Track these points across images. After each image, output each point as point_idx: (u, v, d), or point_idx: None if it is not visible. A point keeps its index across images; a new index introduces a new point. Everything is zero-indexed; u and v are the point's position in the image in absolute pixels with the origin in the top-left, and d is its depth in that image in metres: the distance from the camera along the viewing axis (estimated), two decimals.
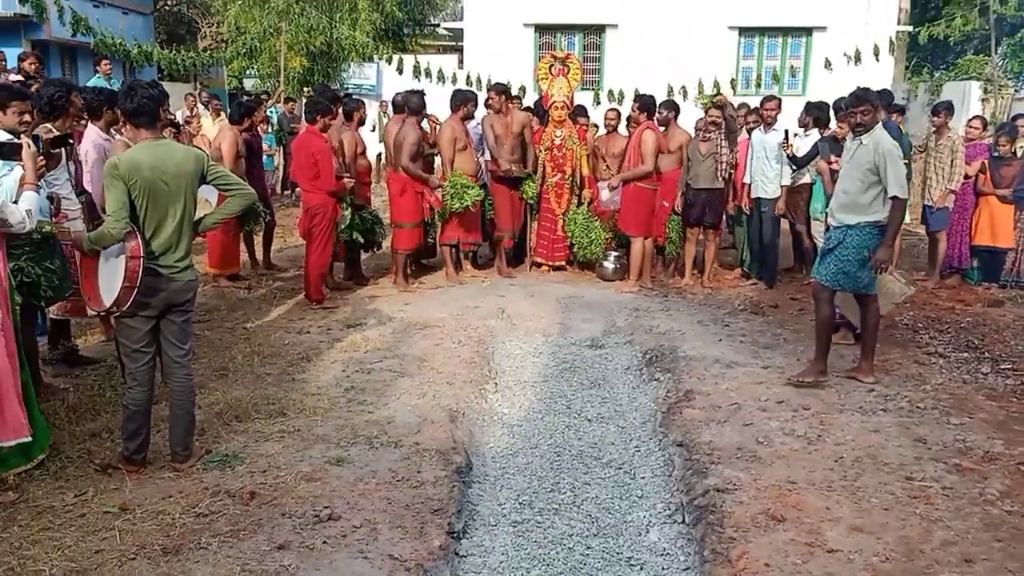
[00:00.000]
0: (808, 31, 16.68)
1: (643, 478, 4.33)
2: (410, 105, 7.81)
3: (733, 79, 16.91)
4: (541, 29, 17.21)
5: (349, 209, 7.34)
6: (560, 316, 7.18)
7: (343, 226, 7.32)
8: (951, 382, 5.34)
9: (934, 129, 8.19)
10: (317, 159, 6.90)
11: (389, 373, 5.35)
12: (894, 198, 4.97)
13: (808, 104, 8.50)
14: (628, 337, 6.65)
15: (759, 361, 5.74)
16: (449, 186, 7.70)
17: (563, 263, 8.72)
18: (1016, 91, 17.94)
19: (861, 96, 5.16)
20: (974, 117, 8.88)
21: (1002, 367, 5.64)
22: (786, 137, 7.70)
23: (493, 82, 16.50)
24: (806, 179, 7.97)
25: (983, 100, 15.84)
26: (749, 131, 8.47)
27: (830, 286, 5.26)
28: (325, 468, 3.93)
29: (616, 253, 8.50)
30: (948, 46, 21.77)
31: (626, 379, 5.84)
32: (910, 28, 18.11)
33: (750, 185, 8.02)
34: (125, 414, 3.80)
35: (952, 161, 7.91)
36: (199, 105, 12.96)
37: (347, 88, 17.90)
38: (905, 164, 4.82)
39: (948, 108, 8.30)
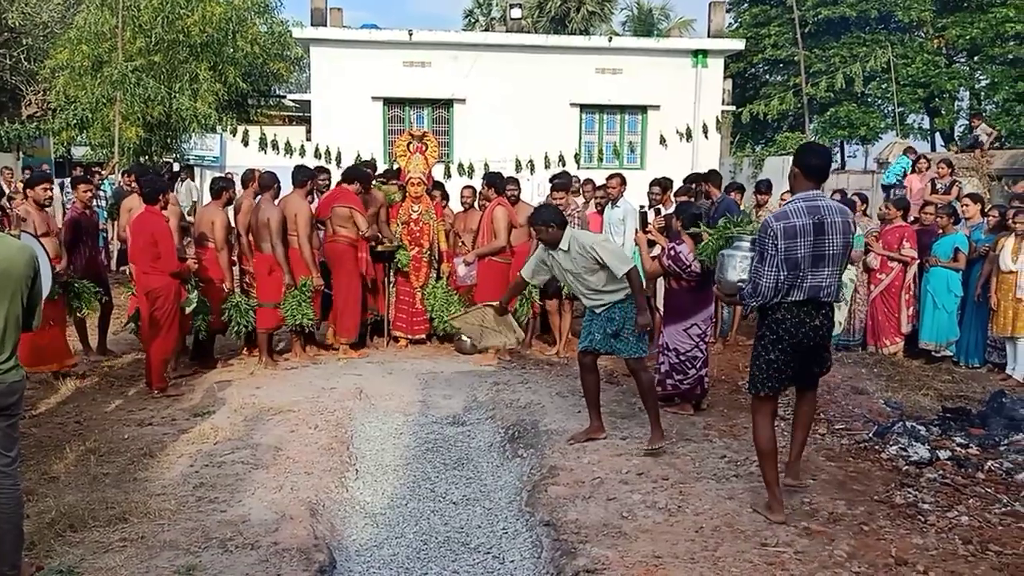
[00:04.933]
0: (644, 109, 17.72)
1: (512, 562, 4.27)
2: (262, 183, 7.69)
3: (577, 153, 17.65)
4: (389, 102, 17.38)
5: (195, 292, 7.00)
6: (420, 393, 7.08)
7: (188, 309, 6.97)
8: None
9: (755, 204, 8.88)
10: (157, 239, 6.57)
11: (242, 465, 5.06)
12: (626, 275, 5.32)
13: (654, 180, 9.00)
14: (490, 412, 6.64)
15: (618, 432, 5.86)
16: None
17: (423, 337, 8.66)
18: None
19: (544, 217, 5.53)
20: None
21: (837, 427, 6.03)
22: (645, 216, 8.04)
23: (339, 153, 16.57)
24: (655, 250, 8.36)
25: None
26: (598, 206, 8.84)
27: (602, 351, 5.56)
28: None
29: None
30: (767, 123, 23.75)
31: (490, 457, 5.80)
32: (734, 108, 19.63)
33: None
34: None
35: None
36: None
37: (188, 160, 17.28)
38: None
39: (768, 186, 9.03)
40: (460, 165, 17.25)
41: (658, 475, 5.01)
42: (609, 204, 8.57)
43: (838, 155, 26.21)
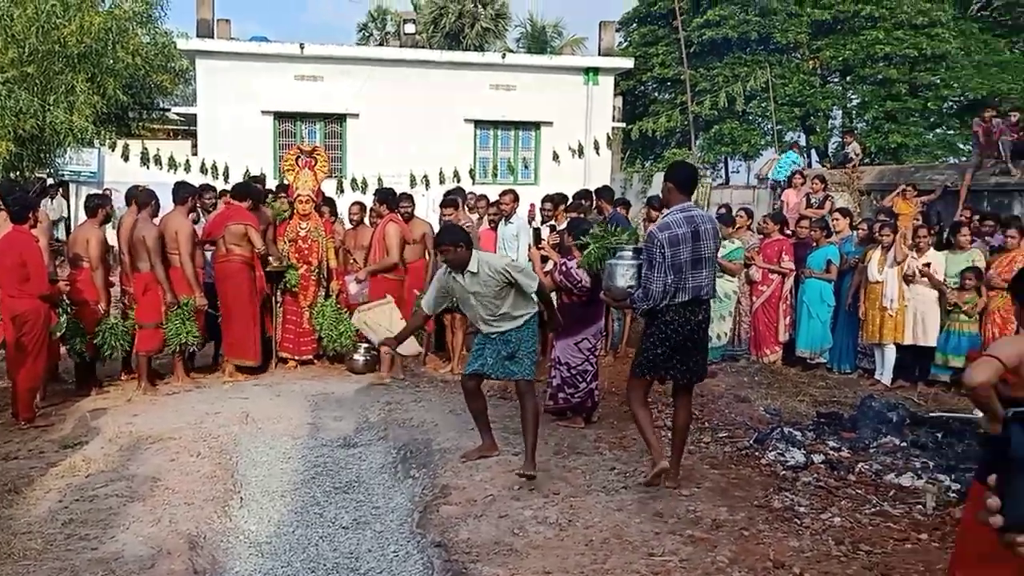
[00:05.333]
0: (537, 125, 17.96)
1: None
2: (139, 199, 7.40)
3: (472, 169, 17.72)
4: (280, 116, 17.03)
5: (64, 316, 6.65)
6: (309, 415, 6.92)
7: (58, 334, 6.60)
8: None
9: (644, 218, 9.11)
10: (26, 260, 6.21)
11: (116, 499, 4.82)
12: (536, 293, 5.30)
13: (546, 196, 9.13)
14: (382, 433, 6.55)
15: (510, 448, 5.87)
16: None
17: (311, 357, 8.48)
18: (712, 181, 20.47)
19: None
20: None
21: (720, 435, 6.24)
22: (538, 232, 8.13)
23: (227, 169, 16.10)
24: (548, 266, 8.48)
25: None
26: (491, 222, 8.89)
27: (493, 375, 5.51)
28: None
29: (367, 345, 8.41)
30: (656, 140, 24.44)
31: (381, 479, 5.71)
32: (623, 124, 20.14)
33: None
34: None
35: None
36: None
37: (62, 175, 16.45)
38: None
39: (659, 201, 9.26)
40: (353, 181, 17.05)
41: (549, 490, 5.05)
42: (502, 220, 8.63)
43: (723, 171, 27.24)
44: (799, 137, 24.68)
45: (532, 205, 12.14)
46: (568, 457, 5.68)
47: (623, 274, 5.07)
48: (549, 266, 8.18)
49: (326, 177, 9.06)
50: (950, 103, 23.50)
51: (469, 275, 5.22)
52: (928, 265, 7.94)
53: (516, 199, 8.68)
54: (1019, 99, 19.71)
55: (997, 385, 2.96)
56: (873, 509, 4.79)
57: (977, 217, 9.22)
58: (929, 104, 22.53)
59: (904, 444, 5.91)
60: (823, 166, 19.33)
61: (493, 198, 9.16)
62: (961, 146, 22.54)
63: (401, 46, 20.79)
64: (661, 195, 5.16)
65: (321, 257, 8.32)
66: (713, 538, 4.35)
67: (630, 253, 5.14)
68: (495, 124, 17.98)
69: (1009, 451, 1.06)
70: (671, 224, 4.77)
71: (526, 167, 18.21)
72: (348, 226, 8.87)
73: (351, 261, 8.36)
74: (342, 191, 16.29)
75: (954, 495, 4.90)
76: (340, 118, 17.28)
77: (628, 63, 18.96)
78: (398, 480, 5.65)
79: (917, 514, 4.70)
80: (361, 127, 17.18)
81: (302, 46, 16.86)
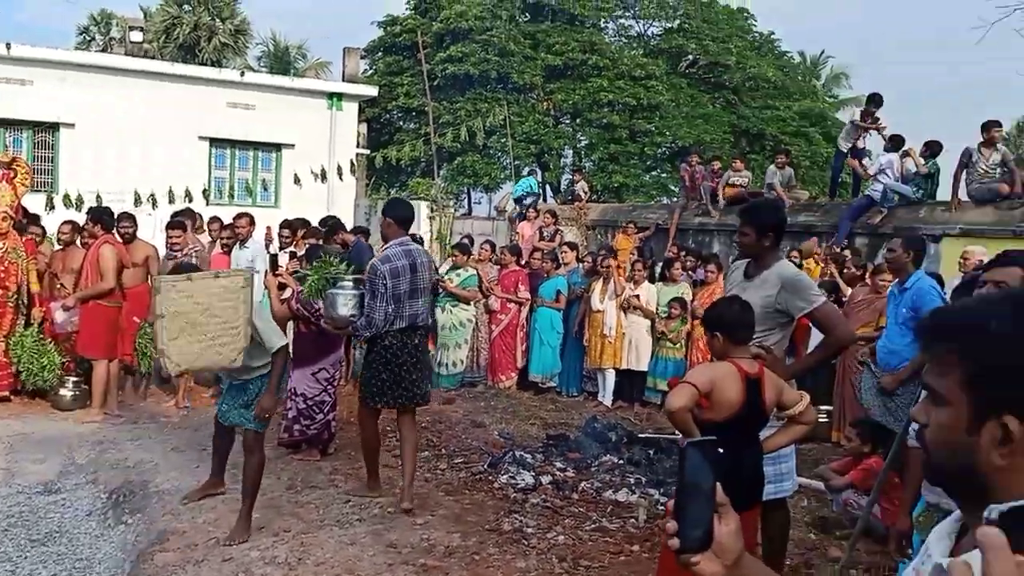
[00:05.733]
0: (278, 147, 17.41)
1: None
2: None
3: (206, 189, 16.76)
4: None
5: None
6: (3, 459, 6.11)
7: None
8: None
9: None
10: None
11: None
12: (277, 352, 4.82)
13: (284, 222, 8.85)
14: (90, 476, 5.92)
15: (239, 486, 5.57)
16: None
17: (7, 394, 7.50)
18: (455, 211, 21.05)
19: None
20: None
21: (456, 461, 6.35)
22: (275, 259, 7.79)
23: None
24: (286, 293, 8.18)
25: (431, 218, 18.18)
26: (225, 246, 8.44)
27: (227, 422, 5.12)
28: None
29: (75, 379, 7.60)
30: (401, 168, 24.68)
31: (88, 527, 5.16)
32: (368, 152, 20.12)
33: None
34: None
35: None
36: None
37: None
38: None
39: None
40: (67, 197, 15.42)
41: (279, 527, 4.85)
42: (237, 244, 8.24)
43: (465, 202, 28.10)
44: (536, 173, 26.08)
45: (268, 228, 11.70)
46: (301, 492, 5.49)
47: (345, 303, 5.22)
48: (287, 294, 7.93)
49: (27, 191, 8.11)
50: (663, 148, 26.03)
51: None
52: (638, 296, 8.70)
53: (252, 222, 8.33)
54: (719, 148, 22.36)
55: (694, 409, 3.28)
56: (593, 525, 5.11)
57: (683, 253, 10.26)
58: (646, 149, 24.82)
59: (621, 462, 6.38)
60: (555, 201, 20.60)
61: (228, 220, 8.72)
62: (672, 188, 25.06)
63: (126, 54, 19.24)
64: (380, 230, 5.48)
65: (21, 281, 7.41)
66: (445, 565, 4.40)
67: (350, 283, 5.31)
68: (233, 143, 17.16)
69: (684, 477, 1.13)
70: (391, 257, 5.11)
71: (266, 189, 17.56)
72: (57, 247, 8.00)
73: (58, 286, 7.53)
74: (52, 208, 14.66)
75: (662, 508, 5.37)
76: (52, 127, 15.59)
77: (373, 91, 19.00)
78: (108, 527, 5.14)
79: (631, 527, 5.08)
80: (77, 138, 15.61)
81: (8, 46, 15.06)
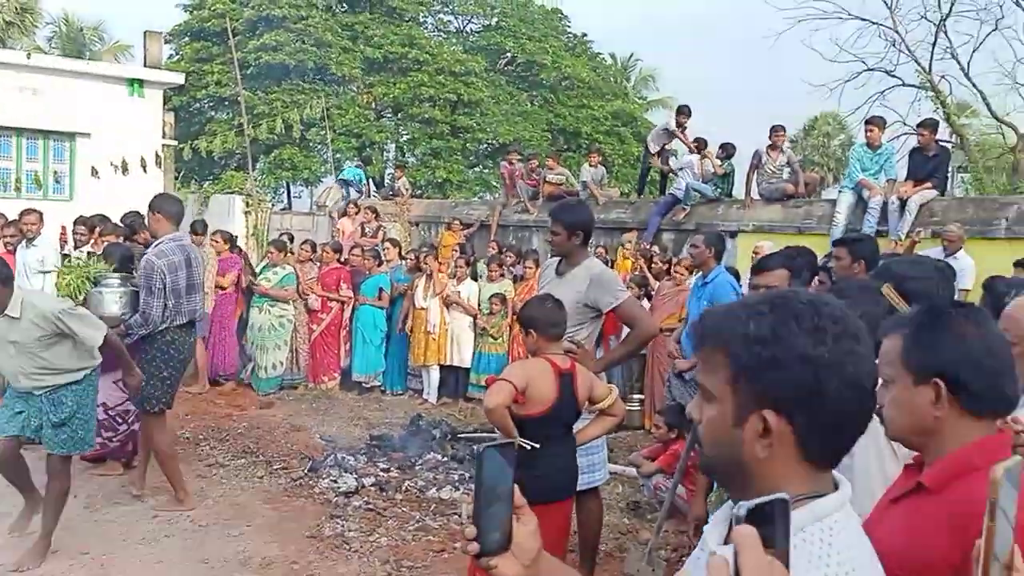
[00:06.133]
0: (71, 136, 16.07)
1: None
2: None
3: None
4: None
5: None
6: None
7: None
8: (231, 491, 5.59)
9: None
10: None
11: None
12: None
13: (79, 218, 8.20)
14: None
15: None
16: None
17: None
18: (273, 205, 20.29)
19: None
20: (215, 232, 9.47)
21: (275, 468, 6.15)
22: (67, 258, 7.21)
23: None
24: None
25: (246, 213, 17.43)
26: (8, 245, 7.72)
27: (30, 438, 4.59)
28: None
29: None
30: (215, 160, 23.50)
31: None
32: (176, 142, 18.98)
33: None
34: None
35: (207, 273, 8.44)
36: None
37: None
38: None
39: (203, 226, 8.88)
40: None
41: (77, 550, 4.50)
42: (23, 243, 7.55)
43: (284, 196, 27.18)
44: (362, 165, 25.65)
45: (63, 228, 10.78)
46: (102, 510, 5.13)
47: (115, 301, 5.15)
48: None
49: None
50: (485, 145, 26.41)
51: (6, 320, 4.21)
52: (459, 293, 8.78)
53: (41, 219, 7.67)
54: (539, 146, 22.96)
55: (511, 406, 3.36)
56: (417, 525, 5.11)
57: (504, 250, 10.43)
58: (468, 145, 25.07)
59: (445, 459, 6.42)
60: (379, 197, 20.39)
61: (13, 216, 7.95)
62: (495, 184, 25.47)
63: None
64: (148, 225, 5.46)
65: None
66: None
67: (117, 280, 5.23)
68: (20, 131, 15.67)
69: (482, 481, 1.13)
70: (167, 252, 5.05)
71: (58, 181, 16.17)
72: None
73: None
74: None
75: None
76: None
77: (179, 78, 17.94)
78: None
79: (454, 524, 5.12)
80: None
81: None
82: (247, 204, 17.31)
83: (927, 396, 1.59)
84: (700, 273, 5.95)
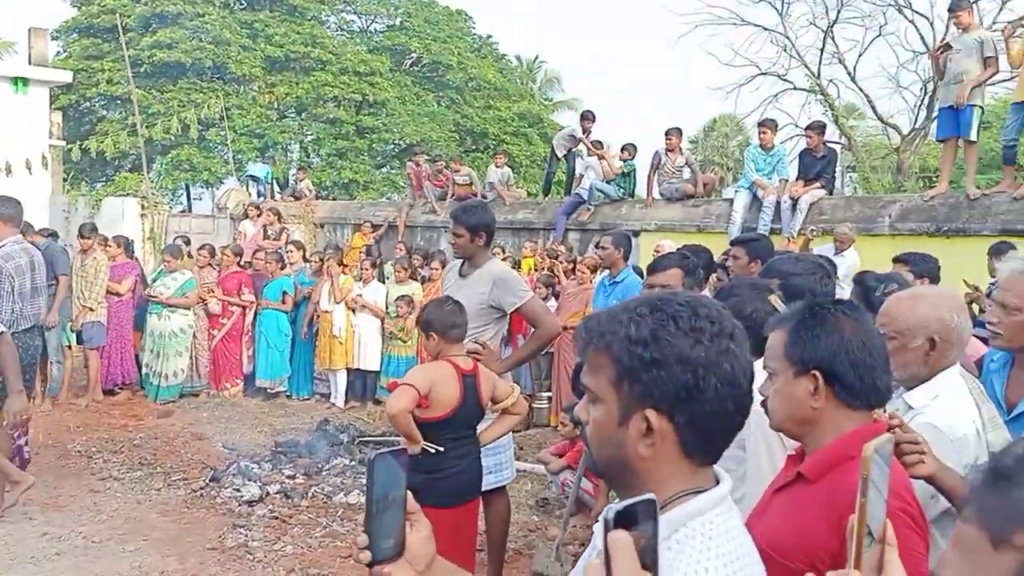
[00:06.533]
0: None
1: None
2: None
3: None
4: None
5: None
6: None
7: None
8: (127, 505, 5.39)
9: (80, 249, 8.31)
10: None
11: None
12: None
13: None
14: None
15: None
16: None
17: None
18: (171, 208, 19.61)
19: None
20: (116, 236, 9.18)
21: (174, 479, 5.95)
22: None
23: None
24: None
25: (142, 216, 16.79)
26: None
27: None
28: None
29: None
30: (108, 162, 22.52)
31: None
32: (64, 143, 18.12)
33: None
34: None
35: (97, 279, 8.12)
36: None
37: None
38: None
39: (92, 229, 8.52)
40: None
41: None
42: None
43: (184, 198, 26.29)
44: (269, 163, 25.07)
45: None
46: None
47: None
48: None
49: None
50: (391, 145, 26.16)
51: None
52: (361, 295, 8.69)
53: None
54: (446, 147, 22.90)
55: (414, 410, 3.35)
56: (323, 531, 5.04)
57: (411, 251, 10.37)
58: (374, 145, 24.78)
59: (353, 463, 6.34)
60: (282, 198, 19.97)
61: None
62: (403, 184, 25.27)
63: None
64: None
65: None
66: None
67: None
68: None
69: (373, 488, 1.13)
70: (12, 255, 5.05)
71: None
72: None
73: None
74: None
75: None
76: None
77: (66, 76, 17.16)
78: None
79: (361, 529, 5.06)
80: None
81: None
82: (143, 207, 16.70)
83: (806, 388, 1.67)
84: (607, 272, 6.06)
